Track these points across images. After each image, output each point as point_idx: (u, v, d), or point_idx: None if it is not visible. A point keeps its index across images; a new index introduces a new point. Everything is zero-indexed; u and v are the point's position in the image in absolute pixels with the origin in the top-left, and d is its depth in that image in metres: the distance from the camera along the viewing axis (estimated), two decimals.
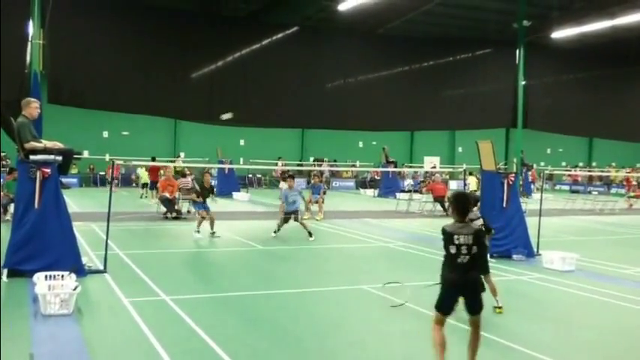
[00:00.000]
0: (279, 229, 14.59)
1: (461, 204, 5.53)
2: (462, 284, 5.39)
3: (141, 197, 26.27)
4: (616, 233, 18.36)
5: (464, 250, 5.33)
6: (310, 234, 14.27)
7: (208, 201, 15.07)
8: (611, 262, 12.30)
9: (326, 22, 31.68)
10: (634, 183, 33.16)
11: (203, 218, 14.31)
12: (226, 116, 23.05)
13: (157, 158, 29.89)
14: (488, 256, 11.94)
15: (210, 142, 33.75)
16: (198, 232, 14.17)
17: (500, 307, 7.82)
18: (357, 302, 8.33)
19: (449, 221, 5.59)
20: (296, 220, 14.70)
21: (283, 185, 23.21)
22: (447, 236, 5.40)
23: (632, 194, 28.77)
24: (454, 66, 35.07)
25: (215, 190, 16.09)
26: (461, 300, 5.53)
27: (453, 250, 5.35)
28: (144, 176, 28.14)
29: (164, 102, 28.83)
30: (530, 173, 35.01)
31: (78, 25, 25.70)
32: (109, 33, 26.91)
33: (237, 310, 7.85)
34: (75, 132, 31.26)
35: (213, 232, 14.38)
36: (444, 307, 5.47)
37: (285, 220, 14.63)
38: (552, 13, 29.60)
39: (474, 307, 5.46)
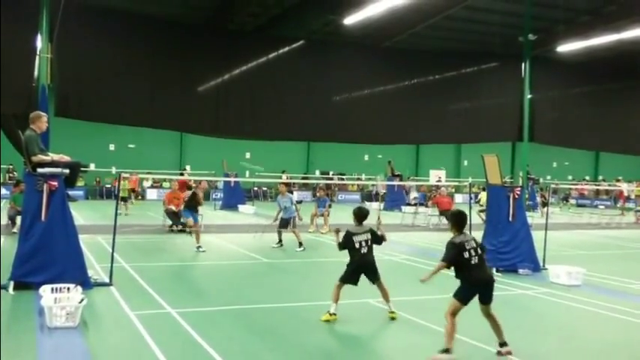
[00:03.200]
0: (279, 240, 15.16)
1: (460, 219, 6.70)
2: (486, 282, 6.49)
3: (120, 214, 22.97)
4: (623, 248, 18.26)
5: (473, 252, 6.44)
6: (300, 244, 14.85)
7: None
8: (618, 276, 12.23)
9: (332, 36, 31.82)
10: (626, 195, 32.92)
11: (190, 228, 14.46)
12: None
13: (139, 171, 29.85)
14: (494, 270, 11.97)
15: (216, 155, 33.85)
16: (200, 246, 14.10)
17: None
18: (362, 316, 8.31)
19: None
20: (293, 226, 15.19)
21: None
22: (459, 246, 6.46)
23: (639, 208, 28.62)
24: (460, 79, 35.11)
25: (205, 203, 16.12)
26: None
27: (466, 255, 6.40)
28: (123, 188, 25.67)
29: (170, 115, 28.94)
30: (537, 192, 34.92)
31: (86, 38, 25.89)
32: (117, 47, 27.10)
33: (243, 324, 7.84)
34: (82, 145, 31.41)
35: (199, 246, 14.12)
36: (465, 300, 6.45)
37: (282, 227, 15.14)
38: (558, 26, 29.66)
39: (489, 298, 6.52)
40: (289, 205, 15.30)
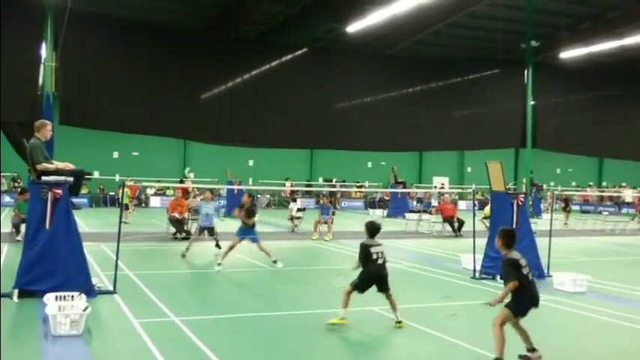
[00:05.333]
0: (187, 250, 14.18)
1: (511, 237, 6.84)
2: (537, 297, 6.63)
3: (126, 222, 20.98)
4: (628, 254, 18.20)
5: (528, 269, 6.61)
6: (218, 246, 14.38)
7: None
8: (623, 283, 12.18)
9: (335, 44, 31.93)
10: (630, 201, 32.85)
11: (231, 248, 12.73)
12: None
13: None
14: (498, 277, 11.93)
15: (219, 163, 33.89)
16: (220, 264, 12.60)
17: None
18: (366, 324, 8.29)
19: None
20: (211, 234, 14.80)
21: (293, 206, 23.12)
22: (517, 263, 6.54)
23: None
24: (463, 86, 35.19)
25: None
26: None
27: (525, 271, 6.52)
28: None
29: (174, 123, 29.08)
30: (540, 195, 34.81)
31: (90, 47, 26.08)
32: (120, 55, 27.28)
33: (246, 332, 7.83)
34: (85, 152, 31.49)
35: (275, 261, 12.94)
36: (522, 313, 6.62)
37: (199, 234, 14.72)
38: (560, 33, 29.74)
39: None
40: (211, 213, 15.07)
